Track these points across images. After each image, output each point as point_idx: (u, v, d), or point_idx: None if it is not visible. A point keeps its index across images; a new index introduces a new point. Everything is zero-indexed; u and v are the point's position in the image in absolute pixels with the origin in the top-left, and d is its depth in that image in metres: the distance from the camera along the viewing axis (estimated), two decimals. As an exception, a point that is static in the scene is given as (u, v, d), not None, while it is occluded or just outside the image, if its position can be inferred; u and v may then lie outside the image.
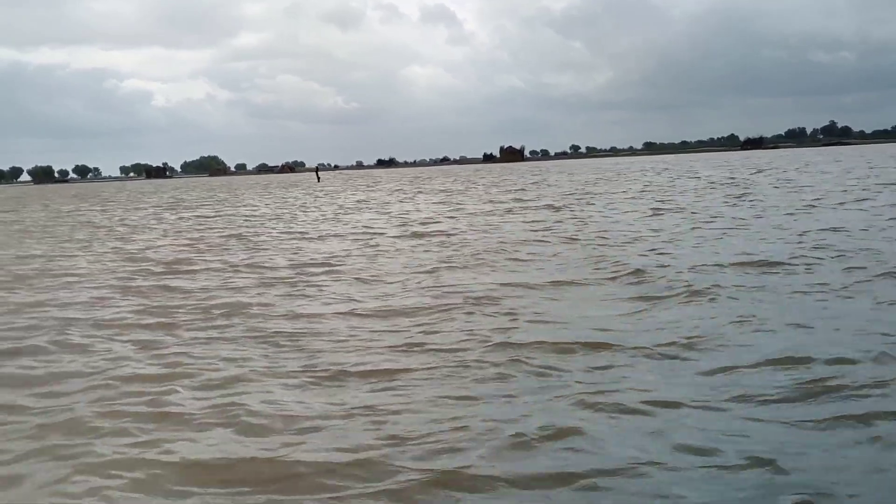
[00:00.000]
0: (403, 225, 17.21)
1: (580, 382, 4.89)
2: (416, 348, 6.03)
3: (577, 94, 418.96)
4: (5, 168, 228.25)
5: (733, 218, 14.79)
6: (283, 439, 4.28)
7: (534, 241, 12.84)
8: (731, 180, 31.54)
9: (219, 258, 12.46)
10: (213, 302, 8.42)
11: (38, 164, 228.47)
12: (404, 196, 31.95)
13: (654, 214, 16.63)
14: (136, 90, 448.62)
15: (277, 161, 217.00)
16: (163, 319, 7.63)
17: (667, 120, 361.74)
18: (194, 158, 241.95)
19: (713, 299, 7.07)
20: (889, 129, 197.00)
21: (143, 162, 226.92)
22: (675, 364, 5.25)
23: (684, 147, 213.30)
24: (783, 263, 8.92)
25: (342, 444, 4.16)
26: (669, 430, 4.02)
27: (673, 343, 5.72)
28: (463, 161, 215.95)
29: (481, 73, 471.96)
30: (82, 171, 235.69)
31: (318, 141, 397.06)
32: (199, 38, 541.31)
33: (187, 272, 10.96)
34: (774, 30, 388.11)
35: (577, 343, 5.87)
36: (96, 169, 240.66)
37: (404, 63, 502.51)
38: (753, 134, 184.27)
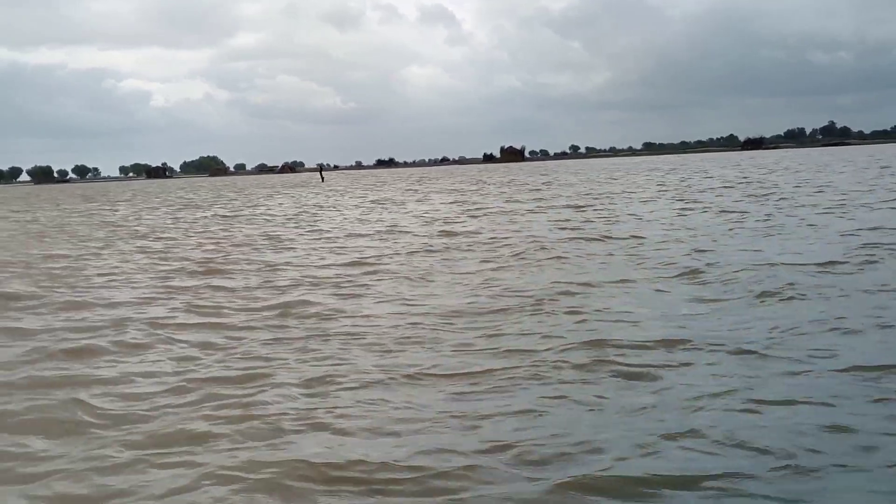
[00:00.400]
0: (428, 224, 17.11)
1: (682, 384, 4.79)
2: (489, 349, 5.94)
3: (575, 94, 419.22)
4: (5, 168, 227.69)
5: (766, 216, 14.70)
6: (384, 441, 4.19)
7: (568, 239, 12.75)
8: (745, 179, 31.48)
9: (252, 258, 12.35)
10: (262, 303, 8.32)
11: (38, 164, 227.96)
12: (419, 196, 31.80)
13: (682, 214, 16.53)
14: (134, 90, 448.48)
15: (276, 161, 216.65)
16: (215, 319, 7.55)
17: (665, 120, 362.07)
18: (193, 158, 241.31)
19: (784, 299, 6.99)
20: (888, 129, 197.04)
21: (141, 162, 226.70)
22: (768, 363, 5.15)
23: (684, 147, 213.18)
24: (837, 262, 8.84)
25: (445, 447, 4.07)
26: (791, 430, 3.93)
27: (757, 342, 5.63)
28: (462, 161, 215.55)
29: (480, 73, 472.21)
30: (81, 172, 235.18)
31: (317, 141, 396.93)
32: (197, 38, 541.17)
33: (224, 272, 10.86)
34: (773, 30, 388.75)
35: (656, 342, 5.78)
36: (95, 169, 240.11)
37: (403, 63, 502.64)
38: (752, 134, 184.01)
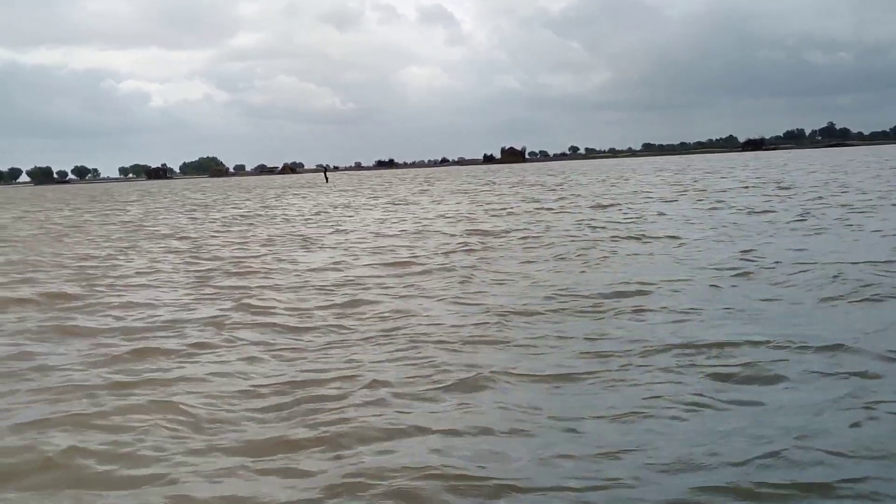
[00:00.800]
0: (455, 224, 16.97)
1: (784, 385, 4.68)
2: (565, 350, 5.83)
3: (574, 94, 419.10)
4: (4, 169, 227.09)
5: (799, 216, 14.58)
6: (494, 442, 4.09)
7: (606, 239, 12.62)
8: (760, 179, 31.37)
9: (286, 257, 12.24)
10: (313, 303, 8.22)
11: (37, 165, 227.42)
12: (433, 197, 31.54)
13: (711, 214, 16.40)
14: (133, 91, 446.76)
15: (275, 162, 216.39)
16: (271, 319, 7.44)
17: (663, 121, 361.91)
18: (192, 159, 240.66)
19: (858, 300, 6.88)
20: (888, 130, 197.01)
21: (141, 163, 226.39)
22: (866, 362, 5.02)
23: (683, 148, 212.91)
24: (894, 261, 8.74)
25: (559, 451, 3.95)
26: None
27: (845, 341, 5.48)
28: (462, 162, 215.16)
29: (479, 73, 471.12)
30: (81, 172, 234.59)
31: (316, 141, 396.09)
32: (196, 39, 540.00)
33: (262, 272, 10.74)
34: (772, 30, 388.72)
35: (740, 342, 5.65)
36: (95, 170, 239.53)
37: (402, 64, 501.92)
38: (751, 134, 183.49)
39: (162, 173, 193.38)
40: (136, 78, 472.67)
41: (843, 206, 16.36)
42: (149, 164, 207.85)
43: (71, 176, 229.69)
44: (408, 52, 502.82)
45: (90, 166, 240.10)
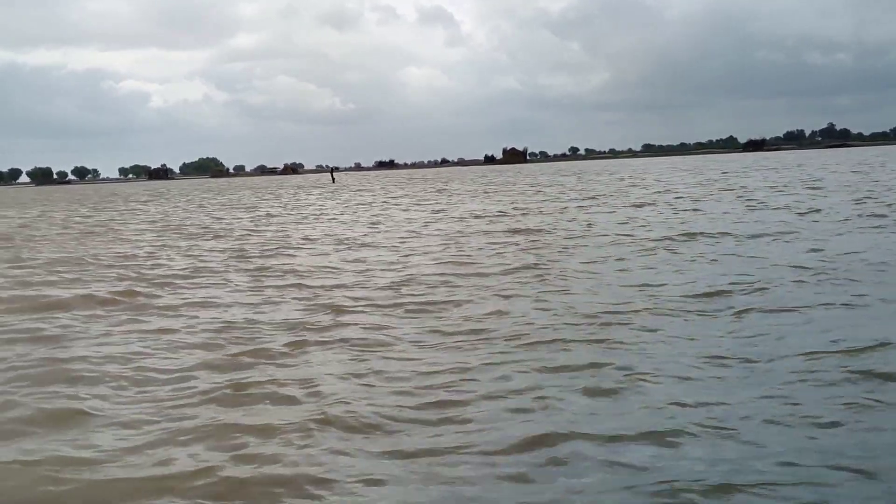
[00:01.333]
0: (493, 223, 16.78)
1: None
2: (688, 352, 5.59)
3: (574, 95, 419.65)
4: (4, 169, 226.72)
5: (849, 217, 14.34)
6: (669, 446, 3.91)
7: (662, 238, 12.36)
8: (782, 178, 31.17)
9: (335, 258, 12.01)
10: (387, 301, 8.03)
11: (37, 166, 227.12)
12: (454, 197, 31.12)
13: (752, 214, 16.18)
14: (133, 91, 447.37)
15: (275, 162, 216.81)
16: (353, 319, 7.26)
17: (663, 121, 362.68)
18: (191, 160, 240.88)
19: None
20: (888, 131, 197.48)
21: (140, 163, 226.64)
22: None
23: (684, 149, 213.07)
24: None
25: (739, 454, 3.76)
26: None
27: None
28: (462, 163, 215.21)
29: (479, 74, 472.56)
30: (81, 173, 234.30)
31: (315, 142, 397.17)
32: (196, 39, 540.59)
33: (317, 272, 10.53)
34: (771, 31, 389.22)
35: (877, 344, 5.43)
36: (95, 170, 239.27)
37: (401, 64, 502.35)
38: (750, 135, 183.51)
39: (163, 174, 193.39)
40: (135, 78, 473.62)
41: (889, 205, 16.13)
42: (149, 165, 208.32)
43: (71, 176, 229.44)
44: (407, 53, 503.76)
45: (90, 167, 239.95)
